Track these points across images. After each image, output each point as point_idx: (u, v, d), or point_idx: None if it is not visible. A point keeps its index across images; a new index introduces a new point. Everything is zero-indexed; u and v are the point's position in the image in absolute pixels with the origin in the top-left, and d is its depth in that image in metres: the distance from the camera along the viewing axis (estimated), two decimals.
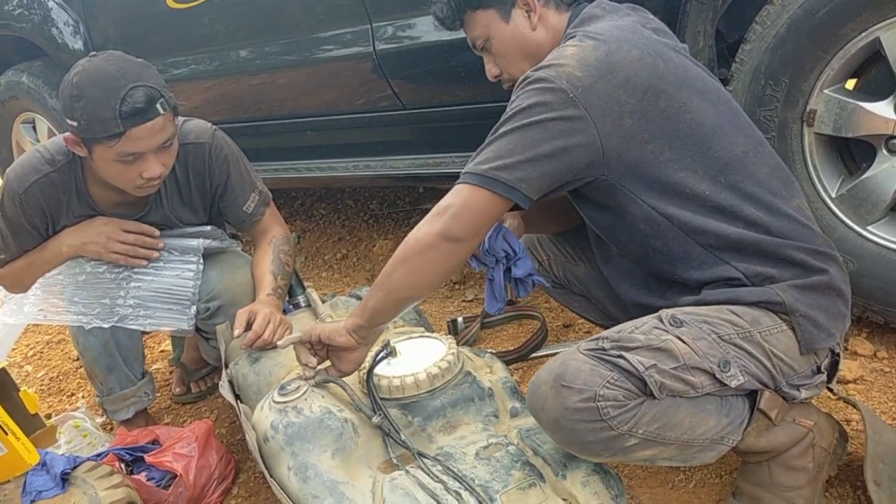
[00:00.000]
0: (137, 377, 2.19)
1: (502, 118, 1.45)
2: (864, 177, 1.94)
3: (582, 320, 2.49)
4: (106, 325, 2.02)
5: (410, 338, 1.83)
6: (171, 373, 2.66)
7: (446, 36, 2.43)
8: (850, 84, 1.98)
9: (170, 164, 1.96)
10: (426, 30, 2.50)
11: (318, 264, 3.43)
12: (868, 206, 1.94)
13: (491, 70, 1.69)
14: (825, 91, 1.92)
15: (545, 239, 1.95)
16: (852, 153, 2.04)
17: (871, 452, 1.50)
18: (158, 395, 2.46)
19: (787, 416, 1.48)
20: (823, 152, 2.00)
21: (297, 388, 1.66)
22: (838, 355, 1.51)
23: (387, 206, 3.86)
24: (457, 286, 2.91)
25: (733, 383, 1.36)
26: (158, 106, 1.83)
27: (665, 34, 1.59)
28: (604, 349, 1.35)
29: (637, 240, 1.50)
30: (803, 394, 1.46)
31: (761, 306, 1.42)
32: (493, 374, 1.76)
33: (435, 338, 1.81)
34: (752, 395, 1.44)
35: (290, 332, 1.98)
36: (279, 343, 1.73)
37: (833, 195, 1.99)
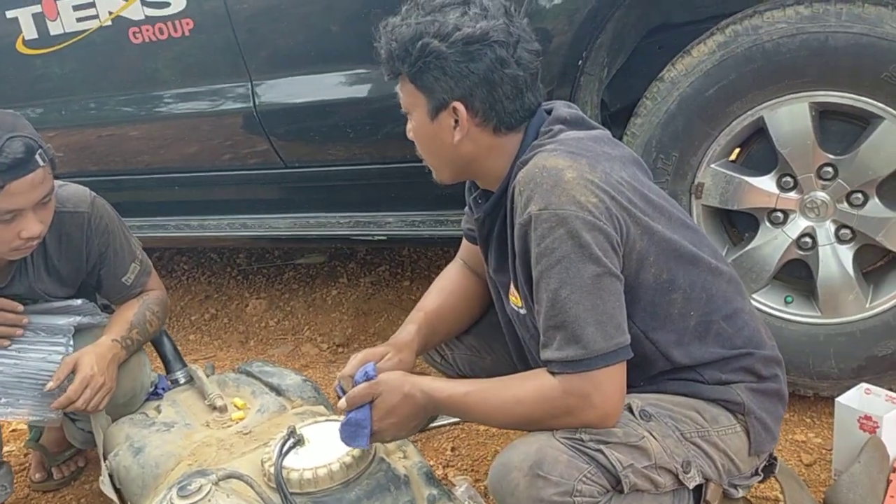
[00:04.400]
0: None
1: (547, 269, 1.31)
2: (749, 247, 2.04)
3: None
4: None
5: (316, 422, 1.72)
6: (26, 455, 2.40)
7: (330, 95, 2.40)
8: (733, 154, 2.08)
9: (48, 223, 1.80)
10: (310, 88, 2.43)
11: (185, 325, 3.23)
12: (753, 275, 2.04)
13: (409, 132, 1.53)
14: (712, 165, 2.01)
15: None
16: (734, 224, 2.15)
17: None
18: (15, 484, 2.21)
19: None
20: (710, 223, 2.09)
21: (200, 487, 1.52)
22: (775, 459, 1.54)
23: (255, 260, 3.70)
24: (340, 349, 2.82)
25: (691, 485, 1.36)
26: (38, 157, 1.70)
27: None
28: (581, 440, 1.31)
29: None
30: (740, 493, 1.48)
31: (720, 404, 1.43)
32: (406, 458, 1.68)
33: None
34: (696, 489, 1.42)
35: (108, 399, 1.85)
36: None
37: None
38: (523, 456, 1.31)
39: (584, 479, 1.28)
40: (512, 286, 1.51)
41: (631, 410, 1.37)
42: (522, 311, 1.50)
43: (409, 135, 1.53)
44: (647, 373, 1.46)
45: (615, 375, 1.33)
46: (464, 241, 1.80)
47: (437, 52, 1.38)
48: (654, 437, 1.34)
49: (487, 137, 1.45)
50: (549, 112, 1.48)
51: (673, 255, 1.40)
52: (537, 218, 1.31)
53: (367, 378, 1.50)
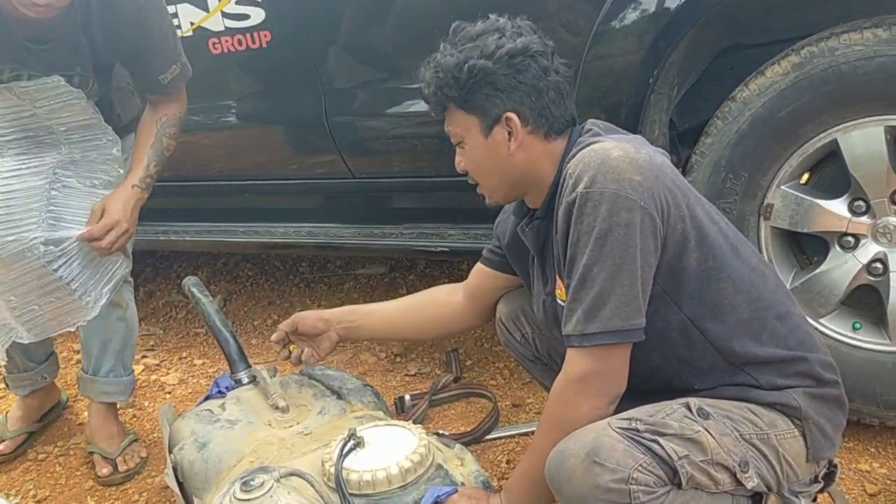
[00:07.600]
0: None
1: (584, 245, 1.37)
2: (817, 271, 2.00)
3: (531, 400, 2.47)
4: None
5: (376, 426, 1.75)
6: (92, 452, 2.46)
7: (399, 109, 2.44)
8: (804, 178, 2.06)
9: None
10: (379, 102, 2.48)
11: (248, 330, 3.29)
12: (821, 299, 2.00)
13: (459, 164, 1.61)
14: (782, 187, 1.99)
15: (530, 312, 1.88)
16: (802, 247, 2.11)
17: None
18: (79, 472, 2.28)
19: None
20: (778, 245, 2.06)
21: (262, 483, 1.55)
22: (835, 466, 1.53)
23: (317, 269, 3.76)
24: (398, 359, 2.84)
25: (750, 485, 1.36)
26: None
27: None
28: (637, 430, 1.32)
29: (663, 349, 1.47)
30: (802, 501, 1.47)
31: (777, 409, 1.44)
32: (464, 466, 1.70)
33: (401, 426, 1.74)
34: (755, 497, 1.42)
35: (127, 240, 2.08)
36: None
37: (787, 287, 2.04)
38: (580, 444, 1.33)
39: (640, 468, 1.29)
40: (558, 277, 1.54)
41: (689, 408, 1.39)
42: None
43: (460, 167, 1.61)
44: (698, 368, 1.48)
45: (622, 354, 1.40)
46: (476, 268, 1.93)
47: (486, 70, 1.47)
48: (710, 433, 1.35)
49: (539, 144, 1.53)
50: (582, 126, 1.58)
51: (714, 241, 1.43)
52: (582, 196, 1.37)
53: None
